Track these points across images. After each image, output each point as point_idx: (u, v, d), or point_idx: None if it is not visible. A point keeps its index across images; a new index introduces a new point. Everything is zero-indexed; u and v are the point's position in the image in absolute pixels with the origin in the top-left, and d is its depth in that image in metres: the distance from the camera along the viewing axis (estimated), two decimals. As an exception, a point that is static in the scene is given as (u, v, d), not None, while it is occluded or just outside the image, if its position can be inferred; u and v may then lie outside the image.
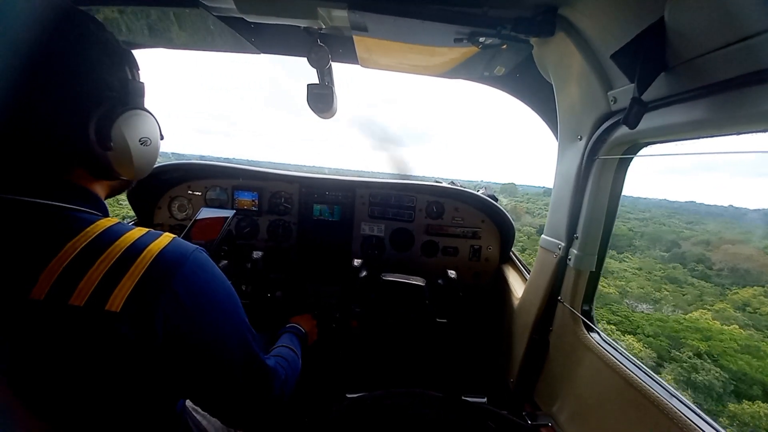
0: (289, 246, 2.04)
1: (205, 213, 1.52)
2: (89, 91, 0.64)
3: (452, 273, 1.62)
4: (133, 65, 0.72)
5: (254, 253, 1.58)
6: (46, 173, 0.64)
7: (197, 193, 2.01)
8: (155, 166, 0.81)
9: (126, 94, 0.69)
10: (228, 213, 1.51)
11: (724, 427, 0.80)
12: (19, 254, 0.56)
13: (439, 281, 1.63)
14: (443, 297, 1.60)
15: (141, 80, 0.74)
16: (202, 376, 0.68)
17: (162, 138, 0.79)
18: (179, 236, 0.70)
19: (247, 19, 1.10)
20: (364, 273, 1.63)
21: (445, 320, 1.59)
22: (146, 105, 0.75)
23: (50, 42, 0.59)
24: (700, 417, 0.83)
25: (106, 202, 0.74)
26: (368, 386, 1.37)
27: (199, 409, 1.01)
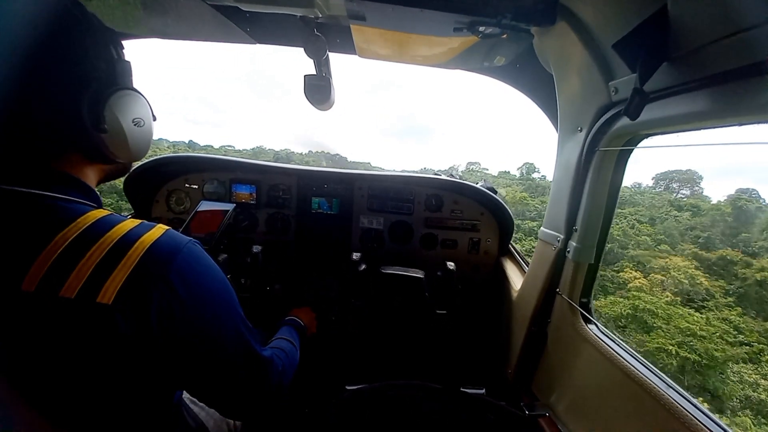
0: (288, 239, 2.04)
1: (205, 206, 1.52)
2: (76, 73, 0.62)
3: (451, 265, 1.62)
4: (118, 44, 0.70)
5: (254, 247, 1.59)
6: (35, 162, 0.63)
7: (194, 186, 1.99)
8: (154, 158, 0.80)
9: (114, 74, 0.68)
10: (228, 206, 1.51)
11: (721, 420, 0.81)
12: (9, 245, 0.55)
13: (438, 273, 1.63)
14: (442, 288, 1.61)
15: (126, 59, 0.72)
16: (197, 367, 0.68)
17: (155, 119, 0.78)
18: (178, 230, 0.70)
19: (242, 8, 1.08)
20: (363, 266, 1.64)
21: (444, 311, 1.59)
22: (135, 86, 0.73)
23: (33, 27, 0.57)
24: (697, 408, 0.84)
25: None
26: (367, 378, 1.38)
27: (197, 401, 1.02)
